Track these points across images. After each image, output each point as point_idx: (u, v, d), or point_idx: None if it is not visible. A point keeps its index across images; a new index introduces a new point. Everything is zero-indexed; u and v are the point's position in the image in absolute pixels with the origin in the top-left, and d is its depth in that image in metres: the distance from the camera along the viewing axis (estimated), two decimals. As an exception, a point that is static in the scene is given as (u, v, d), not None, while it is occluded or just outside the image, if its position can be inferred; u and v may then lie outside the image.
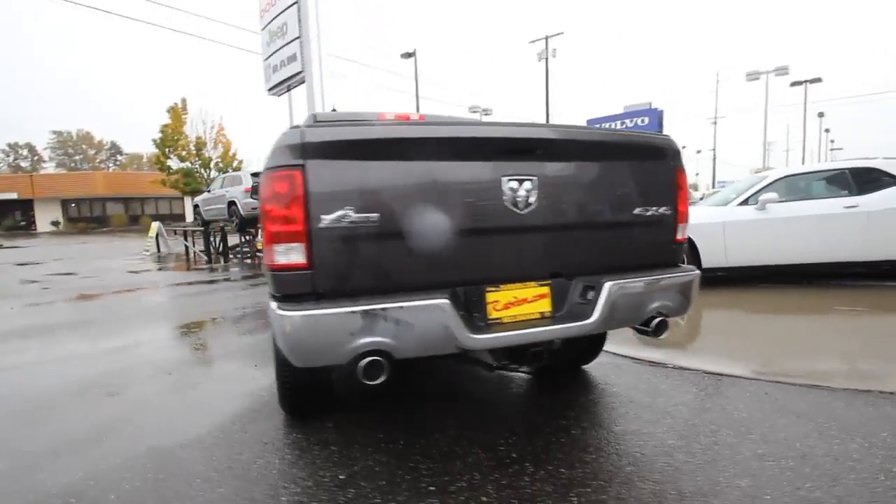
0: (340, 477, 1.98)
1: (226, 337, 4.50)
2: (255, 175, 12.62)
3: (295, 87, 15.43)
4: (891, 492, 1.70)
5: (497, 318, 1.90)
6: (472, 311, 1.87)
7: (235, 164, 27.61)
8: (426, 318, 1.69)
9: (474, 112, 25.41)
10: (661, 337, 2.08)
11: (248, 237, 12.87)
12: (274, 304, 1.71)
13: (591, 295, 1.97)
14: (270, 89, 15.91)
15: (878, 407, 2.35)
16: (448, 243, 1.80)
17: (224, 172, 26.24)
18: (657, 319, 2.04)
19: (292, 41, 14.13)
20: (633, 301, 1.99)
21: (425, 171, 1.77)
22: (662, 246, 2.18)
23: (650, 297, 2.02)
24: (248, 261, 12.04)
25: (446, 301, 1.71)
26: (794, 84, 27.22)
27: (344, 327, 1.62)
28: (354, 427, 2.42)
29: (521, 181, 1.85)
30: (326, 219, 1.65)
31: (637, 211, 2.07)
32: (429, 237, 1.77)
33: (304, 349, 1.64)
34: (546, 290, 1.99)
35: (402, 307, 1.66)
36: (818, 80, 27.62)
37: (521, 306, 1.94)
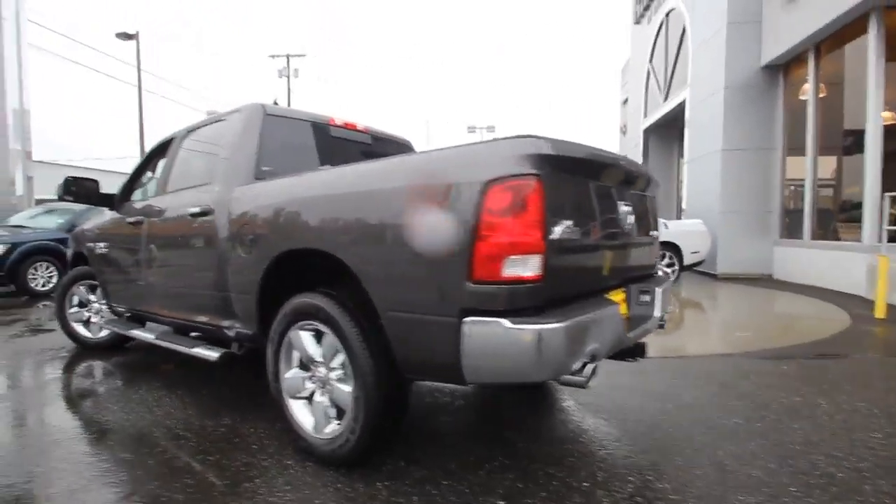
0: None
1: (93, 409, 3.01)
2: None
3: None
4: (791, 405, 2.83)
5: (612, 320, 2.22)
6: None
7: None
8: (614, 321, 1.90)
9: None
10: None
11: None
12: (499, 321, 1.59)
13: (645, 298, 2.51)
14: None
15: (754, 363, 3.73)
16: (606, 255, 2.06)
17: None
18: (667, 314, 2.74)
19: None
20: (666, 299, 2.63)
21: (603, 191, 2.00)
22: (655, 258, 2.92)
23: (668, 296, 2.70)
24: None
25: (619, 305, 1.96)
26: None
27: (583, 336, 1.68)
28: (431, 459, 2.23)
29: (627, 205, 2.26)
30: (557, 230, 1.68)
31: (651, 231, 2.75)
32: (601, 249, 2.00)
33: (550, 360, 1.59)
34: (624, 295, 2.42)
35: (607, 313, 1.82)
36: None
37: (617, 309, 2.32)
